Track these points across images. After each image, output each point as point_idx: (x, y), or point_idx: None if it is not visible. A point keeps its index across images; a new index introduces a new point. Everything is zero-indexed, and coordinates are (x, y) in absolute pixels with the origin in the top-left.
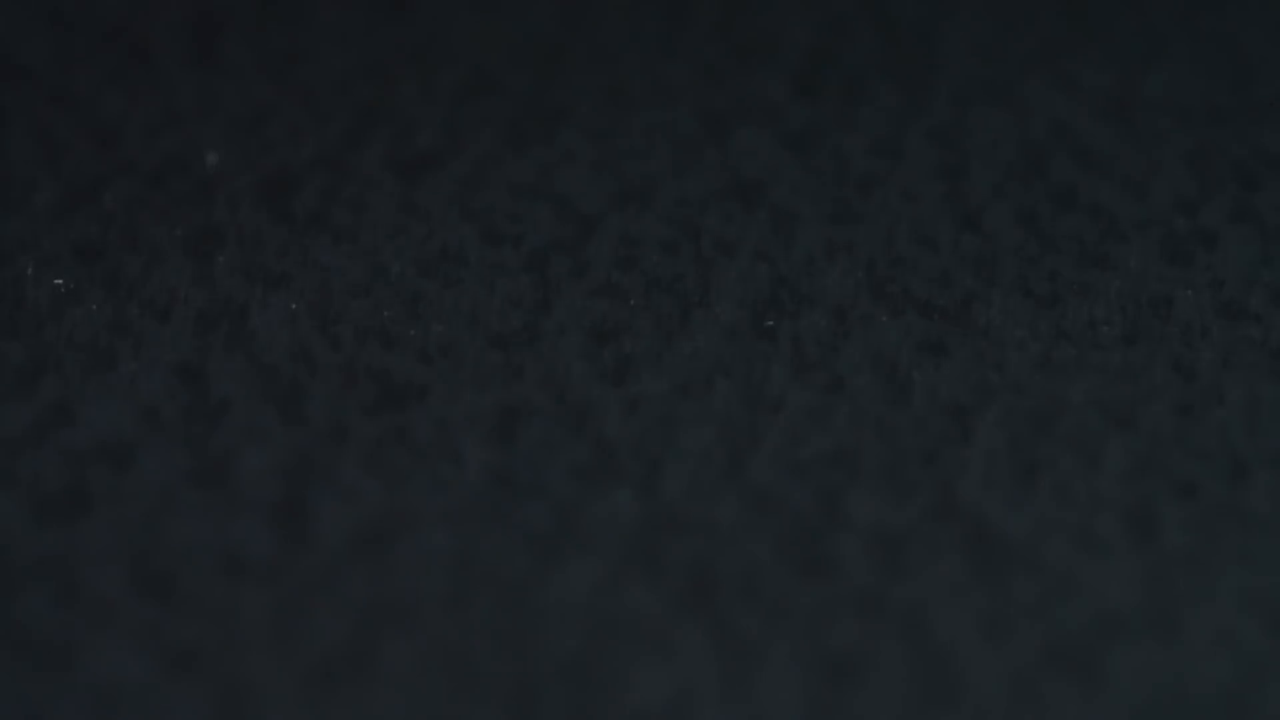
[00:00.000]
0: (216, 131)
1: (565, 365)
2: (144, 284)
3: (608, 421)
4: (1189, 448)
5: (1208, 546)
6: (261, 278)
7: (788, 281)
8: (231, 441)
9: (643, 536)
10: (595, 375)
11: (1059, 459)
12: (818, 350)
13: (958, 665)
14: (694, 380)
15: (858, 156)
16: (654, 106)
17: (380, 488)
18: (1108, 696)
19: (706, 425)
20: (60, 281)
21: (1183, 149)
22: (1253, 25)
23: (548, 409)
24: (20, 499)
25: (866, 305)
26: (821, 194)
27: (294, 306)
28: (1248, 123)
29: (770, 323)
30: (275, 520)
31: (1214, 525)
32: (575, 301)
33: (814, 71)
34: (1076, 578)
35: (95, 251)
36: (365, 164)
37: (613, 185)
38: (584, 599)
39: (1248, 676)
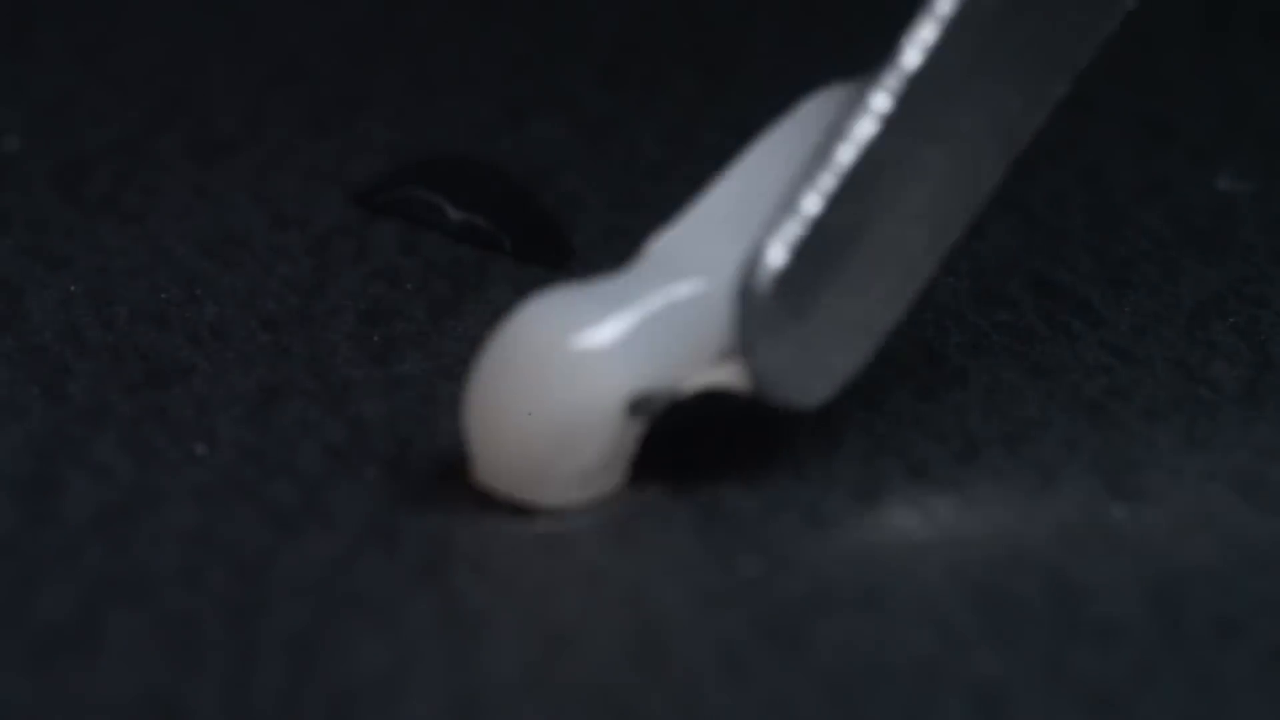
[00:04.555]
0: (19, 117)
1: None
2: None
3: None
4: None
5: None
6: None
7: None
8: None
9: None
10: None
11: None
12: None
13: None
14: (455, 363)
15: (652, 145)
16: None
17: (132, 465)
18: None
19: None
20: None
21: None
22: None
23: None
24: None
25: None
26: (612, 180)
27: (72, 289)
28: None
29: None
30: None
31: None
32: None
33: (617, 63)
34: None
35: None
36: (163, 150)
37: None
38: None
39: None
